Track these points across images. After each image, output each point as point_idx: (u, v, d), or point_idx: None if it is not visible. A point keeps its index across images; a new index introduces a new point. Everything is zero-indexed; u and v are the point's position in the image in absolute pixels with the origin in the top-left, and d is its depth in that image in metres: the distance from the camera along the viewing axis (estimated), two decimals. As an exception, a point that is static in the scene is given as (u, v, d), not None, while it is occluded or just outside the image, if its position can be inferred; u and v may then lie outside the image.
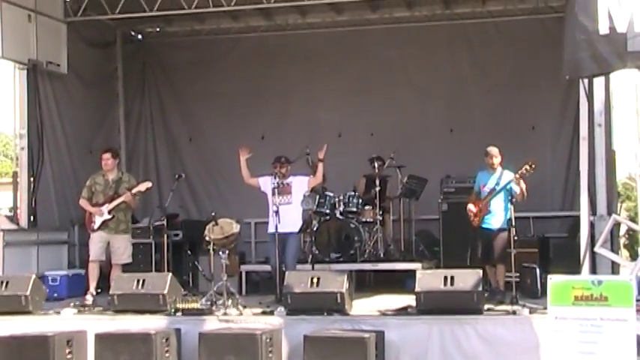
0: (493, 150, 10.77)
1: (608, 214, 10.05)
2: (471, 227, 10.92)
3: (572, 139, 13.34)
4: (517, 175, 10.37)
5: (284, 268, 10.86)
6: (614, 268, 9.97)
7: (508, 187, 10.50)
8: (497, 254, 10.63)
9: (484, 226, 10.70)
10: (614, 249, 9.92)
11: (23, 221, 12.87)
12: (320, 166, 11.45)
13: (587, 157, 9.79)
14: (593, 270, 9.62)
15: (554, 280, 7.75)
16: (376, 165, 12.94)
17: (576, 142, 11.03)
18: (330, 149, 14.19)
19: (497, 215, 10.63)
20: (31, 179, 13.01)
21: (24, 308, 10.41)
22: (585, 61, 8.53)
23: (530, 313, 9.34)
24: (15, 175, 13.22)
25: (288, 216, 11.14)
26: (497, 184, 10.61)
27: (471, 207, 10.84)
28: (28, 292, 10.43)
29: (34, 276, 10.86)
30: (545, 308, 8.59)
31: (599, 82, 9.78)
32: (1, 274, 11.77)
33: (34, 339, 9.41)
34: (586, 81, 9.58)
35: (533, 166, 10.28)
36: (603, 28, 8.37)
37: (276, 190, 11.16)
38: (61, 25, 13.84)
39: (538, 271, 10.96)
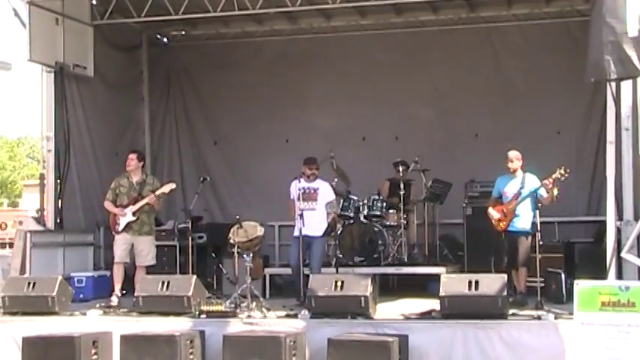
0: (512, 154, 10.73)
1: (635, 219, 9.96)
2: (495, 232, 10.87)
3: (598, 144, 13.27)
4: (551, 180, 10.29)
5: (309, 271, 10.87)
6: (641, 275, 9.89)
7: (538, 192, 10.43)
8: (521, 258, 10.59)
9: (510, 229, 10.66)
10: (641, 255, 9.82)
11: (50, 223, 12.94)
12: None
13: (614, 162, 9.74)
14: (620, 276, 9.55)
15: (580, 286, 7.71)
16: (400, 169, 12.92)
17: (602, 147, 10.98)
18: (354, 153, 14.35)
19: (524, 218, 10.59)
20: (58, 181, 13.08)
21: (50, 309, 10.50)
22: (612, 64, 8.46)
23: (556, 318, 9.29)
24: (42, 177, 13.29)
25: (313, 220, 11.16)
26: (522, 187, 10.56)
27: (492, 212, 10.78)
28: (54, 293, 10.52)
29: (60, 277, 10.95)
30: (571, 314, 8.56)
31: (626, 86, 9.71)
32: (29, 275, 11.87)
33: (61, 339, 9.49)
34: (613, 84, 9.53)
35: (568, 170, 10.21)
36: (632, 31, 8.31)
37: (302, 195, 11.18)
38: (88, 29, 13.93)
39: (563, 276, 10.91)
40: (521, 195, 10.55)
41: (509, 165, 10.70)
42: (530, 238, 10.50)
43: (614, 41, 8.39)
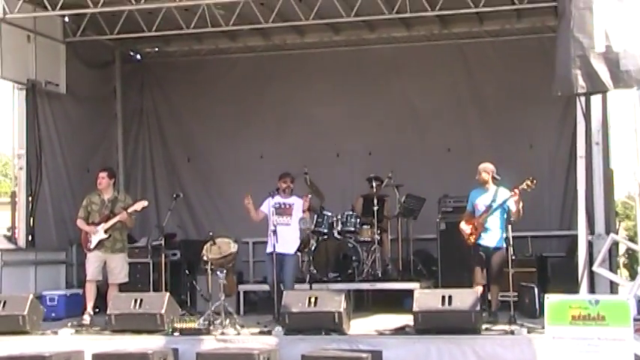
0: (480, 166, 10.74)
1: (606, 233, 10.06)
2: (466, 246, 10.86)
3: (570, 158, 13.31)
4: (517, 191, 10.31)
5: (282, 289, 10.85)
6: (613, 288, 9.98)
7: (505, 204, 10.47)
8: (493, 275, 10.58)
9: (480, 242, 10.64)
10: (613, 268, 9.91)
11: (21, 241, 12.86)
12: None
13: (585, 176, 9.80)
14: (592, 289, 9.62)
15: (551, 300, 7.75)
16: (374, 184, 12.93)
17: (574, 161, 11.00)
18: (327, 169, 14.36)
19: (494, 233, 10.59)
20: (29, 199, 13.02)
21: (22, 328, 10.41)
22: (580, 79, 8.53)
23: (529, 332, 9.34)
24: (13, 194, 13.21)
25: (286, 236, 11.15)
26: (494, 201, 10.58)
27: (463, 226, 10.77)
28: (25, 312, 10.43)
29: (31, 296, 10.87)
30: (544, 328, 8.59)
31: (596, 101, 9.81)
32: (-1, 293, 11.77)
33: (32, 359, 9.39)
34: (583, 99, 9.60)
35: (535, 181, 10.23)
36: (599, 47, 8.39)
37: (276, 210, 11.17)
38: (60, 45, 13.89)
39: (536, 290, 10.94)
40: (492, 208, 10.55)
41: (478, 177, 10.72)
42: (503, 253, 10.51)
43: (582, 56, 8.46)
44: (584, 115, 9.67)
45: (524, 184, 10.26)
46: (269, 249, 11.16)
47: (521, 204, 10.36)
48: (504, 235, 10.42)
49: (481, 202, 10.71)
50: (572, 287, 9.63)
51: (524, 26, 14.49)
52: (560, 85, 8.71)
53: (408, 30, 14.85)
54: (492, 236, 10.59)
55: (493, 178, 10.68)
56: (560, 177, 14.09)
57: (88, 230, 11.38)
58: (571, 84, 8.54)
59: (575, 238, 10.39)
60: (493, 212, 10.55)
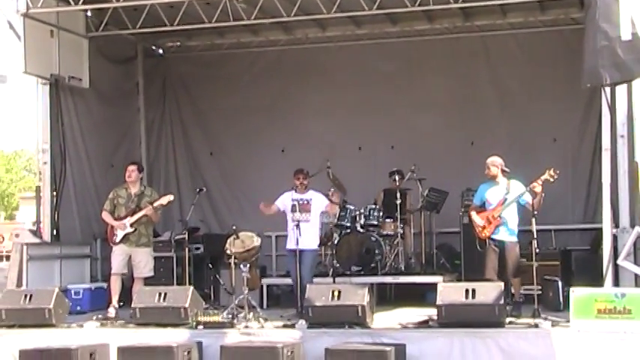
0: (488, 160, 10.66)
1: (631, 226, 9.97)
2: (478, 239, 10.79)
3: (594, 151, 13.25)
4: (540, 182, 10.21)
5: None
6: (638, 282, 9.89)
7: (522, 197, 10.40)
8: (511, 270, 10.50)
9: (495, 237, 10.54)
10: (638, 262, 9.83)
11: (46, 235, 12.92)
12: (333, 199, 11.55)
13: (610, 169, 9.75)
14: (616, 283, 9.55)
15: (576, 293, 7.74)
16: (396, 178, 12.92)
17: (598, 154, 10.97)
18: (350, 163, 14.35)
19: (509, 225, 10.51)
20: (54, 194, 13.07)
21: (47, 321, 10.48)
22: (606, 69, 8.46)
23: (553, 326, 9.28)
24: (38, 189, 13.27)
25: (307, 233, 11.15)
26: (508, 193, 10.51)
27: (476, 218, 10.66)
28: (51, 306, 10.51)
29: (57, 289, 10.95)
30: (568, 321, 8.59)
31: (621, 93, 9.73)
32: (25, 287, 11.83)
33: (58, 352, 9.50)
34: (608, 92, 9.54)
35: (557, 172, 10.15)
36: (625, 34, 8.31)
37: (296, 207, 11.19)
38: (83, 40, 13.93)
39: (560, 284, 10.89)
40: (507, 200, 10.47)
41: (487, 172, 10.65)
42: (516, 247, 10.46)
43: (607, 46, 8.40)
44: (609, 107, 9.61)
45: (547, 174, 10.14)
46: (289, 245, 11.22)
47: (543, 194, 10.26)
48: (518, 229, 10.34)
49: (492, 195, 10.61)
50: (596, 281, 9.61)
51: (548, 18, 14.42)
52: (589, 76, 8.65)
53: (431, 23, 14.80)
54: (508, 229, 10.53)
55: (502, 171, 10.61)
56: (584, 170, 14.02)
57: (114, 224, 11.44)
58: (599, 75, 8.48)
59: (599, 231, 10.35)
60: (508, 205, 10.47)
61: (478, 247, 10.74)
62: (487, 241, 10.61)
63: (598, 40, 8.44)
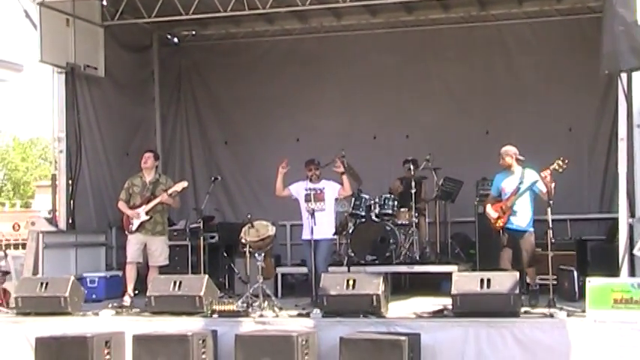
0: (502, 150, 10.62)
1: (647, 216, 9.93)
2: (493, 231, 10.78)
3: (610, 141, 13.19)
4: (549, 171, 10.18)
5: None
6: (654, 272, 9.84)
7: (535, 187, 10.36)
8: (526, 259, 10.48)
9: (509, 226, 10.52)
10: (654, 252, 9.77)
11: (62, 223, 12.97)
12: (344, 178, 11.45)
13: (626, 159, 9.69)
14: (632, 273, 9.50)
15: (592, 283, 7.71)
16: (411, 167, 12.90)
17: (614, 144, 10.92)
18: (365, 152, 14.33)
19: (522, 215, 10.47)
20: (70, 182, 13.13)
21: (63, 309, 10.54)
22: (624, 54, 8.39)
23: (568, 316, 9.24)
24: (54, 178, 13.32)
25: (322, 222, 11.16)
26: (521, 183, 10.46)
27: (489, 210, 10.65)
28: (67, 294, 10.55)
29: (72, 277, 10.98)
30: (583, 311, 8.56)
31: (638, 82, 9.66)
32: (41, 275, 11.90)
33: (74, 340, 9.53)
34: (625, 80, 9.48)
35: (566, 161, 10.05)
36: None
37: (311, 196, 11.20)
38: (99, 29, 13.96)
39: (575, 274, 10.84)
40: (520, 190, 10.44)
41: (501, 162, 10.61)
42: (532, 236, 10.42)
43: (624, 31, 8.32)
44: (625, 96, 9.55)
45: (555, 164, 10.05)
46: (304, 235, 11.24)
47: (553, 184, 10.21)
48: (533, 218, 10.30)
49: (508, 185, 10.58)
50: (612, 271, 9.55)
51: (564, 7, 14.35)
52: (607, 62, 8.58)
53: (446, 12, 14.76)
54: (521, 219, 10.49)
55: (517, 160, 10.58)
56: (600, 160, 13.95)
57: (130, 214, 11.47)
58: (617, 60, 8.41)
59: (614, 221, 10.31)
60: (521, 195, 10.43)
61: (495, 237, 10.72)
62: (502, 231, 10.59)
63: (615, 25, 8.37)
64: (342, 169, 11.43)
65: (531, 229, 10.50)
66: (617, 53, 8.38)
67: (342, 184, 11.57)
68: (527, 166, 10.58)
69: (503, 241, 10.60)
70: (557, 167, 10.07)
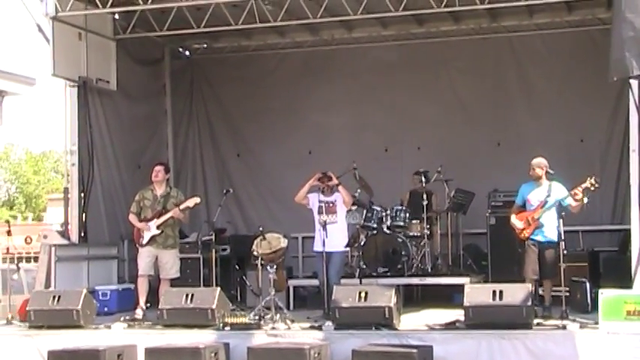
0: (534, 161, 10.64)
1: (659, 227, 9.89)
2: (518, 240, 10.80)
3: (622, 152, 13.16)
4: (580, 189, 10.14)
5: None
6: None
7: (564, 201, 10.36)
8: (548, 270, 10.47)
9: (534, 237, 10.53)
10: (666, 263, 9.73)
11: (74, 236, 13.01)
12: (340, 189, 11.43)
13: (638, 170, 9.67)
14: (645, 284, 9.48)
15: (605, 295, 7.68)
16: (422, 179, 12.89)
17: (626, 155, 10.89)
18: (376, 164, 14.34)
19: (548, 228, 10.47)
20: (82, 195, 13.15)
21: (75, 322, 10.55)
22: (633, 60, 8.32)
23: (581, 328, 9.23)
24: (66, 191, 13.37)
25: (334, 234, 11.15)
26: (549, 195, 10.48)
27: (515, 220, 10.67)
28: (79, 307, 10.57)
29: (85, 290, 11.01)
30: (596, 323, 8.53)
31: (648, 93, 9.65)
32: (53, 288, 11.93)
33: (86, 353, 9.58)
34: (636, 91, 9.45)
35: (599, 180, 10.10)
36: None
37: (322, 209, 11.21)
38: (111, 43, 14.02)
39: (588, 285, 10.82)
40: (547, 203, 10.44)
41: (531, 173, 10.64)
42: (556, 248, 10.42)
43: (633, 36, 8.25)
44: (637, 107, 9.53)
45: (588, 182, 10.09)
46: (316, 247, 11.23)
47: (585, 200, 10.18)
48: (559, 231, 10.32)
49: (534, 196, 10.61)
50: (625, 282, 9.52)
51: (575, 19, 14.35)
52: (615, 69, 8.50)
53: (457, 24, 14.77)
54: (547, 231, 10.49)
55: (547, 172, 10.59)
56: (612, 171, 13.91)
57: (141, 227, 11.49)
58: (625, 67, 8.33)
59: (627, 232, 10.28)
60: (549, 208, 10.44)
61: (518, 248, 10.77)
62: (526, 242, 10.60)
63: (624, 31, 8.30)
64: (335, 182, 11.41)
65: (556, 241, 10.44)
66: (626, 59, 8.33)
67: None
68: (554, 179, 10.57)
69: (528, 252, 10.59)
70: (589, 186, 10.09)
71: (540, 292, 10.63)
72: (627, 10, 8.37)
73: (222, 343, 9.65)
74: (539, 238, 10.53)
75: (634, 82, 9.40)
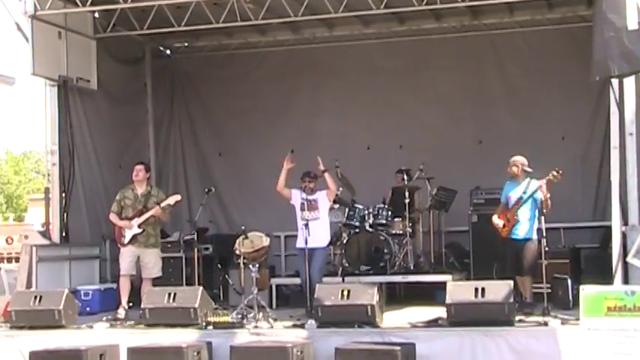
0: (511, 159, 10.72)
1: (640, 224, 9.96)
2: (499, 239, 10.85)
3: (603, 149, 13.21)
4: (544, 182, 10.28)
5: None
6: (647, 279, 9.86)
7: (535, 196, 10.43)
8: (526, 266, 10.53)
9: (512, 236, 10.62)
10: (647, 259, 9.80)
11: (55, 237, 12.95)
12: (326, 176, 11.44)
13: (619, 167, 9.72)
14: (626, 281, 9.54)
15: (586, 291, 7.70)
16: (404, 177, 12.89)
17: (607, 152, 10.97)
18: (358, 162, 14.33)
19: (524, 224, 10.55)
20: (63, 195, 13.09)
21: (57, 322, 10.51)
22: (614, 60, 8.32)
23: (562, 324, 9.29)
24: (47, 191, 13.30)
25: (317, 231, 11.16)
26: (525, 192, 10.55)
27: (495, 220, 10.74)
28: (61, 307, 10.53)
29: (66, 291, 10.97)
30: (577, 319, 8.55)
31: (630, 90, 9.70)
32: (35, 289, 11.86)
33: (68, 353, 9.55)
34: (617, 89, 9.50)
35: (560, 172, 10.19)
36: (632, 24, 8.18)
37: (305, 205, 11.21)
38: (91, 42, 13.95)
39: (569, 282, 10.88)
40: (522, 199, 10.53)
41: (508, 170, 10.73)
42: (534, 244, 10.46)
43: (615, 37, 8.26)
44: (617, 104, 9.58)
45: (550, 174, 10.25)
46: (299, 244, 11.23)
47: (548, 194, 10.30)
48: (536, 227, 10.37)
49: (513, 194, 10.70)
50: (606, 279, 9.59)
51: (555, 16, 14.39)
52: (597, 69, 8.52)
53: (438, 22, 14.79)
54: (523, 228, 10.56)
55: (523, 170, 10.64)
56: (593, 168, 13.97)
57: (122, 225, 11.47)
58: (607, 67, 8.34)
59: (608, 229, 10.35)
60: (523, 204, 10.53)
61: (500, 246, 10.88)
62: (507, 239, 10.67)
63: (605, 31, 8.32)
64: (322, 167, 11.41)
65: (533, 237, 10.50)
66: (607, 59, 8.36)
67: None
68: (532, 177, 10.63)
69: (508, 249, 10.67)
70: (551, 177, 10.20)
71: (521, 290, 10.65)
72: (608, 10, 8.39)
73: (204, 342, 9.64)
74: (515, 234, 10.59)
75: (615, 81, 9.45)
